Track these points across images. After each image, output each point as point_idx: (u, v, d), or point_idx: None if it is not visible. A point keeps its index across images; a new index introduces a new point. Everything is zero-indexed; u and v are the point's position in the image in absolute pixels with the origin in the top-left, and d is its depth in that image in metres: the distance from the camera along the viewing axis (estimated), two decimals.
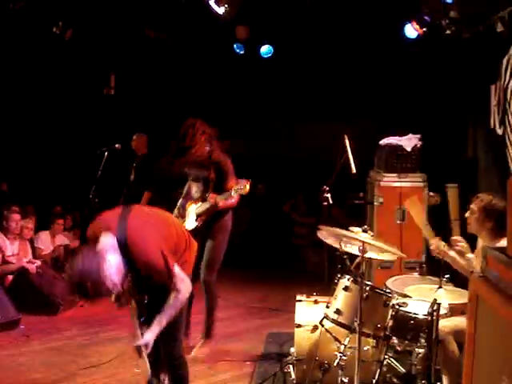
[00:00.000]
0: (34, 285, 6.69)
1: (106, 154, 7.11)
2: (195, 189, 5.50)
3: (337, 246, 4.47)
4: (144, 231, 3.49)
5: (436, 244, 4.27)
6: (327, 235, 4.43)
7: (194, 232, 4.89)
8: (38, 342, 5.77)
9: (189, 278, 3.64)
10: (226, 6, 7.78)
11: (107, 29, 9.13)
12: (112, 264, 3.27)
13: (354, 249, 4.43)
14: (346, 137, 5.80)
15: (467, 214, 4.36)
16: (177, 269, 3.48)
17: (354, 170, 5.72)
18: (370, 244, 4.14)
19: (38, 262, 7.05)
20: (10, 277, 6.87)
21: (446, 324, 4.05)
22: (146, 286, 3.69)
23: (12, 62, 9.13)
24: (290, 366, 4.64)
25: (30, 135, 10.05)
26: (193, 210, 5.43)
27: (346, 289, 4.28)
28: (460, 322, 3.89)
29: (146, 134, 8.48)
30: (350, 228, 4.42)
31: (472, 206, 4.32)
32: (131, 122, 9.59)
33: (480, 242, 4.41)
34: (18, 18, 8.32)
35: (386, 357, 4.24)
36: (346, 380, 4.19)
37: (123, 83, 10.13)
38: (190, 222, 5.38)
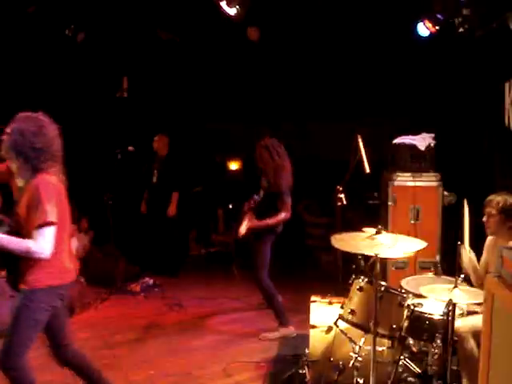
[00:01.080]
0: None
1: (120, 156, 7.13)
2: None
3: (350, 250, 4.42)
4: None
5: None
6: (341, 245, 4.30)
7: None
8: None
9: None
10: (238, 7, 7.78)
11: (119, 31, 9.16)
12: None
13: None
14: (359, 136, 5.78)
15: (484, 219, 4.35)
16: (51, 230, 3.53)
17: (367, 170, 5.69)
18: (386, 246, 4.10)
19: None
20: None
21: (463, 323, 4.01)
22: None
23: (25, 65, 9.17)
24: (305, 367, 4.61)
25: None
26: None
27: (360, 289, 4.26)
28: (478, 321, 3.85)
29: (164, 135, 8.49)
30: (364, 229, 4.39)
31: (488, 209, 4.31)
32: (145, 124, 9.61)
33: (490, 241, 4.40)
34: (31, 22, 8.37)
35: (402, 357, 4.20)
36: (361, 381, 4.16)
37: (136, 85, 10.14)
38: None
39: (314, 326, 4.62)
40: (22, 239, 3.56)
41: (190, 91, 10.26)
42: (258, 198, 6.19)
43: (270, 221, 5.92)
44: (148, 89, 10.18)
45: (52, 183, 3.66)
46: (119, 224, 7.78)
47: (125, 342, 5.87)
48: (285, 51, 9.25)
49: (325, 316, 4.67)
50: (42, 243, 3.54)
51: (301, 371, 4.66)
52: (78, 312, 6.65)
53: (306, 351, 4.64)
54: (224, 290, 7.81)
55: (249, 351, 5.57)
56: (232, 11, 7.72)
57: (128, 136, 8.76)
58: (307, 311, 5.23)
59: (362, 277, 4.31)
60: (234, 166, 12.55)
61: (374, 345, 3.95)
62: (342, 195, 5.56)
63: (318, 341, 4.55)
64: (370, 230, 4.28)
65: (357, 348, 4.23)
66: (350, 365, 4.20)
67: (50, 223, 3.55)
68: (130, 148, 7.28)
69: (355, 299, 4.27)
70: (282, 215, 5.92)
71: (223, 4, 7.63)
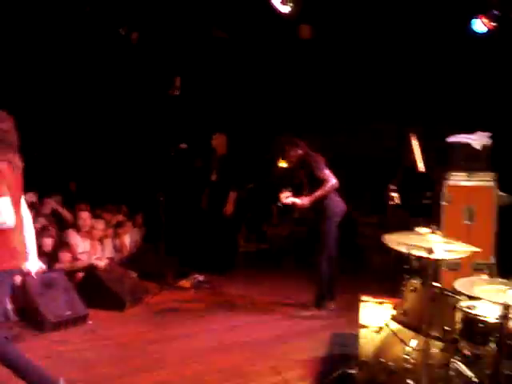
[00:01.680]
0: (102, 281, 6.82)
1: (173, 153, 7.21)
2: None
3: (403, 250, 4.36)
4: None
5: None
6: (394, 243, 4.29)
7: None
8: (105, 337, 5.86)
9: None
10: (291, 4, 7.77)
11: (172, 30, 9.25)
12: None
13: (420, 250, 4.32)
14: (412, 136, 5.70)
15: None
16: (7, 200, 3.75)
17: (422, 169, 5.62)
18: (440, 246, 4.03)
19: (106, 260, 7.20)
20: (80, 274, 7.05)
21: None
22: None
23: (80, 65, 9.36)
24: (355, 367, 4.57)
25: (98, 136, 10.29)
26: None
27: (413, 290, 4.19)
28: None
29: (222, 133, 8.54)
30: (417, 229, 4.32)
31: None
32: (197, 121, 9.69)
33: None
34: (86, 21, 8.53)
35: (454, 360, 4.11)
36: (412, 383, 4.09)
37: (188, 84, 10.23)
38: None
39: (364, 326, 4.57)
40: None
41: (243, 90, 10.29)
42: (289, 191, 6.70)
43: (319, 192, 6.50)
44: (200, 87, 10.25)
45: None
46: (171, 221, 7.87)
47: (175, 336, 5.91)
48: (336, 50, 9.18)
49: (375, 316, 4.61)
50: None
51: (350, 371, 4.63)
52: (129, 306, 6.75)
53: (356, 351, 4.59)
54: (274, 287, 7.83)
55: (298, 349, 5.55)
56: (285, 9, 7.72)
57: (181, 134, 8.86)
58: (357, 311, 5.18)
59: (415, 277, 4.24)
60: (283, 163, 12.57)
61: (427, 347, 3.89)
62: (395, 194, 5.50)
63: (368, 341, 4.50)
64: (423, 230, 4.21)
65: (408, 350, 4.17)
66: (401, 366, 4.14)
67: None
68: (183, 145, 7.36)
69: (408, 300, 4.21)
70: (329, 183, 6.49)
71: (276, 2, 7.64)
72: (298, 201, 6.69)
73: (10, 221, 3.81)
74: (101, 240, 7.77)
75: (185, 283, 7.74)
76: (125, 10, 8.77)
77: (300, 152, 6.78)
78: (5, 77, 8.36)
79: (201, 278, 7.90)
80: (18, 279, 6.43)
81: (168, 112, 10.19)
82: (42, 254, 7.00)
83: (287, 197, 6.71)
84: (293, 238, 9.98)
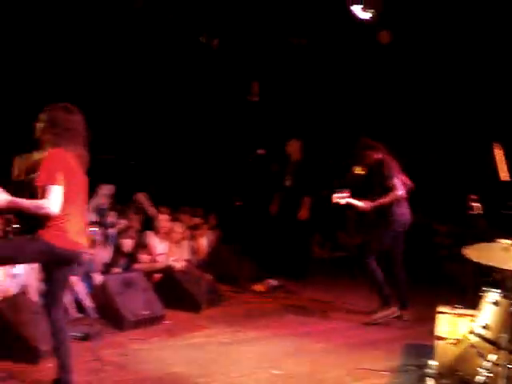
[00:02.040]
0: (179, 283, 6.96)
1: (251, 158, 7.28)
2: None
3: (483, 262, 4.25)
4: None
5: None
6: (474, 255, 4.17)
7: None
8: (181, 338, 5.97)
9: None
10: (372, 11, 7.74)
11: (251, 37, 9.35)
12: None
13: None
14: (496, 145, 5.56)
15: None
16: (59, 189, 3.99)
17: (505, 177, 5.46)
18: None
19: (184, 262, 7.33)
20: (158, 275, 7.22)
21: None
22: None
23: (162, 71, 9.59)
24: (430, 380, 4.48)
25: (178, 140, 10.50)
26: None
27: (494, 303, 4.08)
28: None
29: (299, 139, 8.57)
30: (498, 240, 4.20)
31: None
32: (275, 127, 9.74)
33: None
34: (168, 29, 8.74)
35: None
36: None
37: (266, 90, 10.31)
38: None
39: (440, 338, 4.47)
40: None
41: (319, 95, 10.28)
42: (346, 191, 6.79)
43: (382, 199, 6.53)
44: (278, 93, 10.31)
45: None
46: (247, 225, 7.95)
47: (249, 340, 5.96)
48: (415, 54, 9.05)
49: (453, 328, 4.51)
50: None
51: (425, 383, 4.54)
52: (204, 308, 6.86)
53: (431, 363, 4.50)
54: (348, 294, 7.78)
55: (372, 358, 5.48)
56: (366, 15, 7.69)
57: (259, 139, 8.94)
58: (433, 321, 5.08)
59: (496, 290, 4.13)
60: (358, 169, 12.43)
61: (507, 362, 3.78)
62: (476, 204, 5.37)
63: (444, 353, 4.39)
64: (506, 242, 4.10)
65: (487, 364, 4.05)
66: (479, 380, 4.03)
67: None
68: (261, 151, 7.43)
69: (489, 313, 4.10)
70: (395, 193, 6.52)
71: (356, 8, 7.62)
72: (359, 204, 6.69)
73: (55, 208, 4.01)
74: (178, 242, 7.93)
75: (259, 287, 7.80)
76: (205, 17, 8.94)
77: (379, 156, 6.75)
78: (88, 82, 8.67)
79: (275, 282, 7.94)
80: (98, 278, 6.68)
81: (247, 117, 10.30)
82: (121, 253, 7.24)
83: (343, 197, 6.73)
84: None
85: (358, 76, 9.90)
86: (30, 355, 5.04)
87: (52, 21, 8.22)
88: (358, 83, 10.04)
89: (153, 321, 6.33)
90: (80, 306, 6.43)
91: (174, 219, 8.08)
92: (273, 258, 8.51)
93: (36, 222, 4.09)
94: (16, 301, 5.46)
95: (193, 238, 8.36)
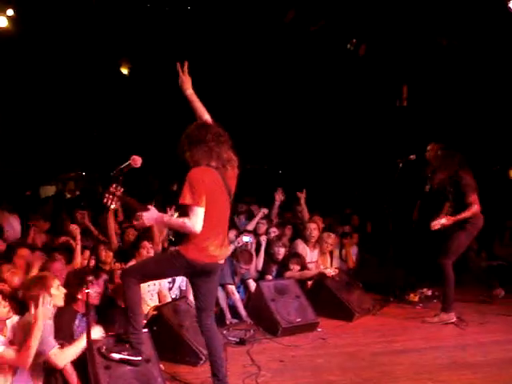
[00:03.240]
0: (331, 291, 6.99)
1: (401, 165, 7.17)
2: None
3: None
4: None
5: None
6: None
7: None
8: (334, 346, 6.01)
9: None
10: None
11: (399, 41, 9.22)
12: None
13: None
14: None
15: None
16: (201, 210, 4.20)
17: None
18: None
19: (335, 269, 7.34)
20: (309, 282, 7.30)
21: None
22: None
23: (309, 80, 9.71)
24: None
25: (328, 148, 10.58)
26: None
27: None
28: None
29: (441, 143, 8.32)
30: None
31: None
32: (426, 132, 9.52)
33: None
34: (315, 37, 8.83)
35: None
36: None
37: (416, 94, 10.11)
38: None
39: None
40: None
41: (467, 98, 9.92)
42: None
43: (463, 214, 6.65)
44: (428, 97, 10.07)
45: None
46: (398, 232, 7.82)
47: (403, 350, 5.86)
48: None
49: None
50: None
51: None
52: (357, 317, 6.83)
53: None
54: (506, 305, 7.38)
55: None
56: None
57: (409, 145, 8.77)
58: None
59: None
60: None
61: None
62: None
63: None
64: None
65: None
66: None
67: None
68: (412, 156, 7.29)
69: None
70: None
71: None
72: (444, 221, 6.69)
73: (197, 228, 4.22)
74: (328, 250, 7.97)
75: (412, 297, 7.63)
76: (354, 23, 8.94)
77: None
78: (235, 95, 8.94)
79: (429, 292, 7.73)
80: (252, 285, 6.89)
81: (396, 123, 10.16)
82: (274, 261, 7.41)
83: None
84: None
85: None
86: (192, 358, 5.32)
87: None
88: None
89: (306, 328, 6.42)
90: (235, 312, 6.67)
91: (326, 228, 8.10)
92: (425, 266, 8.27)
93: (182, 238, 4.38)
94: (177, 305, 5.76)
95: (343, 246, 8.36)
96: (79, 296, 4.96)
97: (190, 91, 4.68)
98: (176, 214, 4.44)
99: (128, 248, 6.82)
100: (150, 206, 4.38)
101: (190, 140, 4.39)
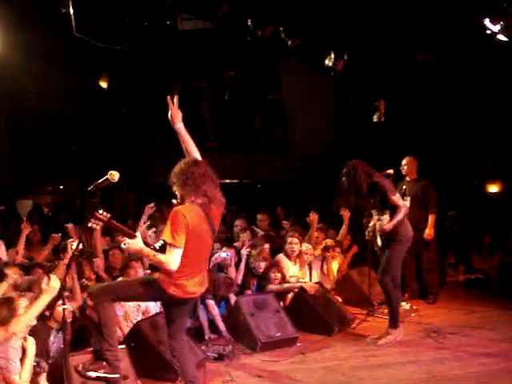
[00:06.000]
0: (310, 305, 6.97)
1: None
2: None
3: None
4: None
5: None
6: None
7: None
8: (313, 361, 6.00)
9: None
10: (502, 23, 7.48)
11: (376, 57, 9.33)
12: None
13: None
14: None
15: None
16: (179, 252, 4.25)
17: None
18: None
19: (315, 284, 7.33)
20: (289, 296, 7.28)
21: None
22: None
23: None
24: None
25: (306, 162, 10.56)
26: None
27: None
28: None
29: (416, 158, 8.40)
30: None
31: None
32: (402, 147, 9.60)
33: None
34: None
35: None
36: None
37: (393, 109, 10.22)
38: None
39: None
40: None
41: (448, 116, 10.04)
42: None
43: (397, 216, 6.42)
44: (405, 113, 10.18)
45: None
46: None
47: (381, 364, 5.85)
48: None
49: None
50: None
51: None
52: (337, 332, 6.82)
53: None
54: (484, 318, 7.44)
55: None
56: (496, 28, 7.46)
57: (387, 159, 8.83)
58: None
59: None
60: (493, 188, 11.94)
61: None
62: None
63: None
64: None
65: None
66: None
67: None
68: (390, 171, 7.34)
69: None
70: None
71: (487, 22, 7.40)
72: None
73: (172, 267, 4.28)
74: (309, 264, 7.97)
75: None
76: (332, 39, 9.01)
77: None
78: None
79: (407, 306, 7.75)
80: (232, 299, 6.87)
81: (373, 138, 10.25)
82: (253, 275, 7.40)
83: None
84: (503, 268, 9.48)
85: (488, 93, 9.57)
86: (170, 375, 5.27)
87: None
88: (486, 101, 9.71)
89: (285, 343, 6.40)
90: (215, 327, 6.64)
91: (305, 241, 8.10)
92: (405, 280, 8.34)
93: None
94: (156, 321, 5.72)
95: (324, 260, 8.36)
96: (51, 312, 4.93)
97: (179, 125, 4.69)
98: (160, 242, 4.41)
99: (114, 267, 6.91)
100: (136, 234, 4.41)
101: (177, 176, 4.47)
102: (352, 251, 8.82)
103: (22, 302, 4.39)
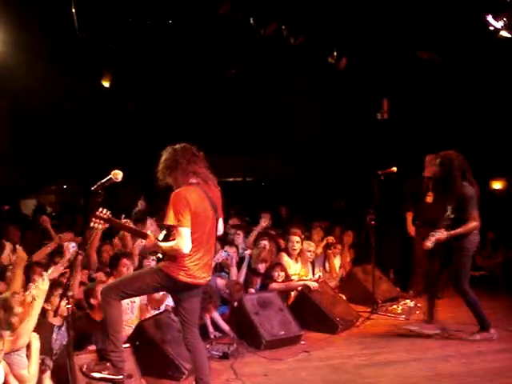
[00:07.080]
0: (314, 303, 6.96)
1: (383, 177, 7.20)
2: None
3: None
4: None
5: None
6: None
7: None
8: (318, 359, 5.98)
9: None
10: (505, 19, 7.46)
11: (379, 54, 9.30)
12: None
13: None
14: None
15: None
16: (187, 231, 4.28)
17: None
18: None
19: (318, 282, 7.32)
20: (293, 294, 7.27)
21: None
22: None
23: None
24: None
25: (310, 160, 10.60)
26: None
27: None
28: None
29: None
30: None
31: None
32: (406, 145, 9.60)
33: None
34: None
35: None
36: None
37: (397, 107, 10.19)
38: None
39: None
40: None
41: (451, 112, 10.01)
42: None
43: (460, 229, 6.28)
44: (409, 110, 10.15)
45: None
46: (380, 244, 7.84)
47: (386, 362, 5.84)
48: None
49: None
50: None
51: None
52: (341, 329, 6.81)
53: None
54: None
55: None
56: (499, 24, 7.43)
57: (390, 157, 8.84)
58: None
59: None
60: (497, 185, 11.91)
61: None
62: None
63: None
64: None
65: None
66: None
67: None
68: (393, 169, 7.32)
69: None
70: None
71: (490, 18, 7.38)
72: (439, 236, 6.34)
73: (185, 250, 4.31)
74: (312, 262, 7.96)
75: (396, 309, 7.65)
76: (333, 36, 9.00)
77: None
78: None
79: (411, 303, 7.74)
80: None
81: (377, 135, 10.22)
82: (256, 274, 7.38)
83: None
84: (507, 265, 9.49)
85: (491, 89, 9.54)
86: (175, 373, 5.27)
87: None
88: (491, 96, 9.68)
89: (289, 341, 6.39)
90: (217, 326, 6.63)
91: (307, 238, 8.09)
92: (408, 277, 8.32)
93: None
94: (159, 319, 5.72)
95: (327, 257, 8.35)
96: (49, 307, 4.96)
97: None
98: (163, 233, 4.41)
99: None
100: (147, 233, 4.47)
101: (165, 166, 4.54)
102: (347, 242, 8.82)
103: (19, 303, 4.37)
